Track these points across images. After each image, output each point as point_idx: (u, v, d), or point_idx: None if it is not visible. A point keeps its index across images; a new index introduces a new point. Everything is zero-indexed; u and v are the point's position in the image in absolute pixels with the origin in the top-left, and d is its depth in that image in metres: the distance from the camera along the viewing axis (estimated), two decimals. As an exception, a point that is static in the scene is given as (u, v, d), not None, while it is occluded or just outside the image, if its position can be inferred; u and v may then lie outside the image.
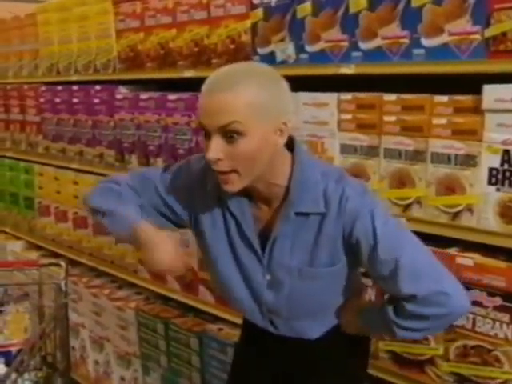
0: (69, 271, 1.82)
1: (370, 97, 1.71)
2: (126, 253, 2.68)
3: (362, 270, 1.58)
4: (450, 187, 1.57)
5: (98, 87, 2.75)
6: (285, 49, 1.93)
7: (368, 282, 1.73)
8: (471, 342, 1.57)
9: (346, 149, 1.78)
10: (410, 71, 1.63)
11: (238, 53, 2.08)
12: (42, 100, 3.16)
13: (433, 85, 1.58)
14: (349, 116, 1.76)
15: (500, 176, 1.48)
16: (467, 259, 1.55)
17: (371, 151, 1.72)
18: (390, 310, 1.29)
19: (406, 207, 1.67)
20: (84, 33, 2.82)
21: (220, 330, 2.31)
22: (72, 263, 2.83)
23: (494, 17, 1.45)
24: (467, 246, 1.60)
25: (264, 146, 1.20)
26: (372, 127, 1.71)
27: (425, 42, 1.58)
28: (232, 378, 1.63)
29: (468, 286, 1.39)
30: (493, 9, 1.45)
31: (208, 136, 1.20)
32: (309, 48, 1.86)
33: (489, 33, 1.47)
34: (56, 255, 3.13)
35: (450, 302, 1.23)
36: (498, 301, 1.50)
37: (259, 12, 1.99)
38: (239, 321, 1.63)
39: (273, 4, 1.94)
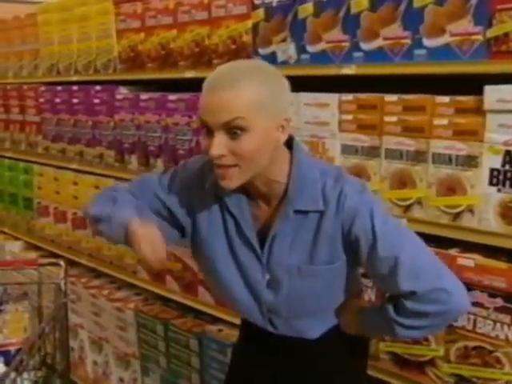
0: (68, 271, 1.82)
1: (371, 97, 1.71)
2: (125, 253, 2.68)
3: (361, 270, 1.58)
4: (451, 188, 1.57)
5: (98, 87, 2.75)
6: (286, 49, 1.93)
7: (368, 282, 1.73)
8: (472, 343, 1.57)
9: (346, 149, 1.78)
10: (411, 72, 1.63)
11: (239, 53, 2.08)
12: (41, 100, 3.15)
13: (434, 85, 1.58)
14: (350, 116, 1.76)
15: (501, 177, 1.48)
16: (468, 260, 1.55)
17: (372, 152, 1.72)
18: (390, 308, 1.29)
19: (407, 208, 1.67)
20: (84, 33, 2.82)
21: (220, 330, 2.31)
22: (71, 264, 2.82)
23: (495, 17, 1.45)
24: (468, 247, 1.60)
25: (266, 142, 1.21)
26: (373, 128, 1.71)
27: (426, 42, 1.59)
28: (231, 377, 1.62)
29: (469, 286, 1.39)
30: (495, 9, 1.45)
31: (210, 133, 1.20)
32: (310, 48, 1.86)
33: (491, 33, 1.47)
34: (55, 256, 3.12)
35: (450, 299, 1.23)
36: (499, 302, 1.50)
37: (260, 12, 1.99)
38: (239, 322, 1.63)
39: (274, 4, 1.94)
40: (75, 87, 2.90)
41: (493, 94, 1.45)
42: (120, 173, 2.65)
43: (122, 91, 2.65)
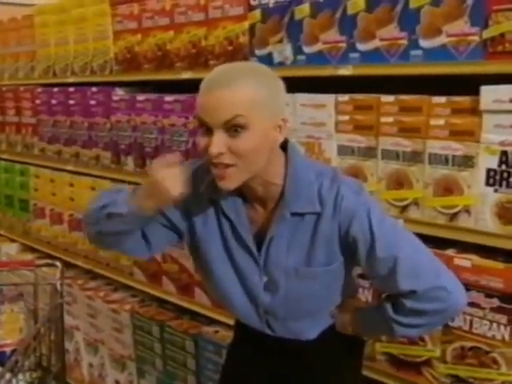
0: (64, 273, 1.81)
1: (368, 98, 1.71)
2: (121, 255, 2.67)
3: (358, 271, 1.58)
4: (447, 188, 1.57)
5: (94, 89, 2.75)
6: (282, 50, 1.93)
7: (365, 283, 1.73)
8: (468, 344, 1.57)
9: (343, 150, 1.78)
10: (407, 72, 1.63)
11: (235, 54, 2.08)
12: (37, 102, 3.15)
13: (431, 86, 1.58)
14: (346, 117, 1.76)
15: (498, 177, 1.48)
16: (465, 260, 1.55)
17: (369, 152, 1.72)
18: (388, 307, 1.29)
19: (404, 208, 1.67)
20: (81, 34, 2.81)
21: (216, 332, 2.30)
22: (67, 265, 2.80)
23: (492, 18, 1.46)
24: (465, 248, 1.60)
25: (265, 142, 1.21)
26: (369, 128, 1.71)
27: (423, 43, 1.59)
28: (225, 378, 1.61)
29: (465, 287, 1.38)
30: (491, 10, 1.45)
31: (209, 132, 1.20)
32: (306, 49, 1.86)
33: (487, 34, 1.47)
34: (51, 258, 3.10)
35: (449, 297, 1.24)
36: (496, 302, 1.50)
37: (257, 13, 1.99)
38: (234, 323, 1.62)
39: (271, 5, 1.94)
40: (71, 89, 2.89)
41: (489, 94, 1.46)
42: (116, 174, 2.65)
43: (119, 92, 2.65)
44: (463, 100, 1.52)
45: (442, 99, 1.56)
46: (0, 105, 3.51)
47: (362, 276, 1.67)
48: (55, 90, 3.00)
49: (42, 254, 3.29)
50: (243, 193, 1.32)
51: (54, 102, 3.01)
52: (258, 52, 2.00)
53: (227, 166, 1.20)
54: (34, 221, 3.32)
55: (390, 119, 1.66)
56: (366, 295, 1.74)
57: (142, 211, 1.25)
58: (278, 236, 1.30)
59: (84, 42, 2.80)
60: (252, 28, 2.01)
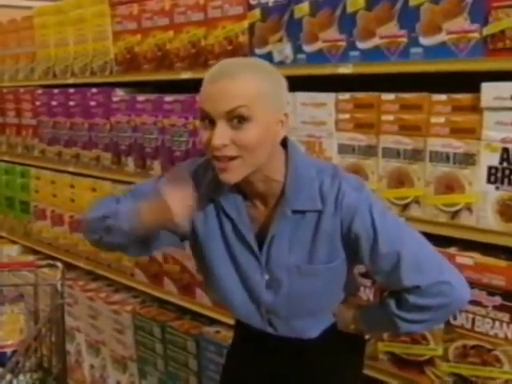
0: (65, 274, 1.81)
1: (368, 96, 1.71)
2: (122, 256, 2.67)
3: (361, 270, 1.58)
4: (448, 186, 1.57)
5: (94, 90, 2.74)
6: (282, 49, 1.92)
7: (367, 282, 1.72)
8: (471, 342, 1.56)
9: (343, 149, 1.77)
10: (408, 70, 1.63)
11: (235, 54, 2.07)
12: (38, 103, 3.15)
13: (431, 83, 1.58)
14: (347, 116, 1.75)
15: (499, 174, 1.47)
16: (467, 258, 1.54)
17: (369, 151, 1.71)
18: (392, 303, 1.29)
19: (405, 207, 1.66)
20: (81, 35, 2.81)
21: (217, 332, 2.29)
22: (68, 267, 2.80)
23: (492, 15, 1.45)
24: (466, 245, 1.59)
25: (267, 135, 1.21)
26: (370, 127, 1.70)
27: (423, 40, 1.58)
28: (226, 378, 1.61)
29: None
30: (491, 7, 1.45)
31: (212, 124, 1.19)
32: (306, 48, 1.86)
33: (487, 31, 1.46)
34: (52, 259, 3.09)
35: (452, 292, 1.23)
36: (498, 300, 1.49)
37: (256, 12, 1.99)
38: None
39: (270, 4, 1.93)
40: (71, 90, 2.89)
41: (490, 91, 1.45)
42: (117, 175, 2.64)
43: (119, 93, 2.64)
44: (464, 97, 1.52)
45: (443, 97, 1.56)
46: (0, 106, 3.51)
47: (364, 275, 1.67)
48: (55, 91, 3.00)
49: (43, 256, 3.29)
50: (244, 191, 1.32)
51: (54, 103, 3.01)
52: (257, 51, 2.00)
53: (231, 158, 1.19)
54: (34, 222, 3.32)
55: (391, 117, 1.65)
56: (367, 294, 1.74)
57: (142, 228, 1.25)
58: (280, 234, 1.30)
59: (84, 43, 2.79)
60: (251, 27, 2.01)
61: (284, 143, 1.30)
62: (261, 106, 1.18)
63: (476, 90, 1.48)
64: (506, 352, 1.50)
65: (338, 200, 1.25)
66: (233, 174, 1.21)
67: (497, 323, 1.50)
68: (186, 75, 2.27)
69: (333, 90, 1.79)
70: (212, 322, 2.35)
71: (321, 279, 1.31)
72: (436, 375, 1.64)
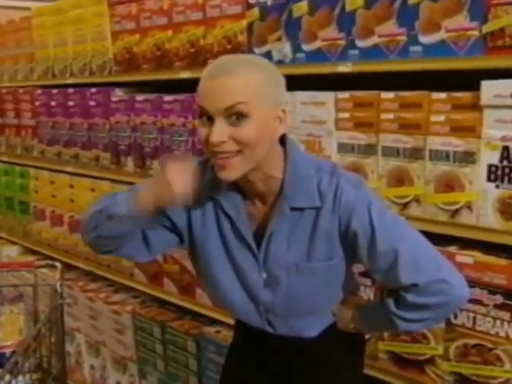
0: (64, 275, 1.80)
1: (368, 95, 1.71)
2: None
3: (360, 269, 1.57)
4: (448, 185, 1.56)
5: (93, 90, 2.74)
6: (281, 48, 1.92)
7: (367, 281, 1.72)
8: (471, 341, 1.55)
9: (343, 147, 1.77)
10: (407, 68, 1.62)
11: (234, 53, 2.05)
12: (37, 103, 3.14)
13: (430, 82, 1.57)
14: (346, 114, 1.75)
15: (499, 173, 1.47)
16: (467, 257, 1.53)
17: (369, 150, 1.71)
18: (390, 302, 1.28)
19: (405, 205, 1.66)
20: (80, 35, 2.81)
21: (217, 332, 2.29)
22: (68, 267, 2.80)
23: (491, 12, 1.45)
24: (467, 244, 1.59)
25: (266, 131, 1.20)
26: (369, 125, 1.70)
27: (422, 38, 1.58)
28: (227, 378, 1.60)
29: (468, 284, 1.37)
30: (490, 4, 1.45)
31: (210, 121, 1.19)
32: (305, 47, 1.85)
33: (486, 29, 1.46)
34: (52, 260, 3.09)
35: (451, 290, 1.23)
36: (499, 299, 1.49)
37: (255, 12, 1.98)
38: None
39: (268, 3, 1.93)
40: (71, 90, 2.88)
41: (489, 89, 1.44)
42: (116, 175, 2.64)
43: (118, 93, 2.64)
44: (463, 95, 1.51)
45: (443, 95, 1.55)
46: (-1, 107, 3.52)
47: (363, 274, 1.66)
48: (54, 91, 3.00)
49: (42, 256, 3.28)
50: (242, 189, 1.32)
51: (53, 103, 3.01)
52: (256, 50, 1.99)
53: (230, 155, 1.19)
54: (34, 223, 3.31)
55: (390, 116, 1.65)
56: (367, 293, 1.73)
57: (141, 210, 1.23)
58: (278, 231, 1.29)
59: (82, 43, 2.79)
60: (250, 26, 2.01)
61: (283, 141, 1.30)
62: (259, 103, 1.18)
63: (476, 88, 1.47)
64: (507, 351, 1.49)
65: (337, 197, 1.25)
66: (232, 171, 1.21)
67: (498, 322, 1.50)
68: (185, 75, 2.26)
69: (332, 89, 1.78)
70: (212, 321, 2.34)
71: (319, 278, 1.31)
72: (437, 374, 1.64)
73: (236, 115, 1.17)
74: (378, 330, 1.60)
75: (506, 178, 1.46)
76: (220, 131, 1.17)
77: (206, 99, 1.18)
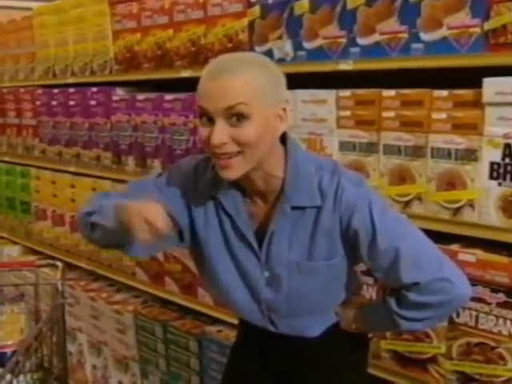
0: (66, 275, 1.80)
1: (369, 93, 1.70)
2: (123, 256, 2.66)
3: (363, 268, 1.56)
4: (450, 182, 1.56)
5: (94, 89, 2.74)
6: (282, 46, 1.91)
7: (369, 280, 1.71)
8: (474, 340, 1.55)
9: (344, 146, 1.76)
10: (408, 66, 1.62)
11: (235, 51, 2.04)
12: (38, 103, 3.14)
13: (432, 79, 1.57)
14: (348, 112, 1.74)
15: (501, 170, 1.46)
16: (469, 255, 1.53)
17: (370, 148, 1.70)
18: (392, 301, 1.28)
19: (407, 204, 1.65)
20: (80, 35, 2.80)
21: (219, 331, 2.28)
22: (69, 267, 2.80)
23: (493, 9, 1.44)
24: (469, 242, 1.58)
25: (266, 130, 1.20)
26: (371, 123, 1.69)
27: (423, 36, 1.57)
28: (229, 377, 1.60)
29: (470, 282, 1.37)
30: (492, 1, 1.44)
31: (210, 122, 1.19)
32: (307, 45, 1.85)
33: (488, 26, 1.45)
34: (53, 259, 3.08)
35: (452, 289, 1.23)
36: (502, 297, 1.48)
37: (256, 10, 1.98)
38: (237, 322, 1.61)
39: (270, 1, 1.93)
40: (72, 89, 2.88)
41: (491, 86, 1.44)
42: (117, 174, 2.64)
43: (119, 92, 2.64)
44: (465, 93, 1.51)
45: (444, 92, 1.54)
46: (0, 107, 3.51)
47: (366, 273, 1.66)
48: (55, 91, 3.00)
49: (44, 256, 3.28)
50: (243, 187, 1.31)
51: (54, 103, 3.01)
52: (257, 49, 1.99)
53: (231, 155, 1.18)
54: (35, 223, 3.31)
55: (392, 114, 1.64)
56: (370, 292, 1.73)
57: (119, 225, 1.21)
58: (279, 230, 1.29)
59: (83, 43, 2.79)
60: (251, 25, 2.00)
61: (283, 140, 1.29)
62: (259, 102, 1.17)
63: (477, 85, 1.46)
64: (510, 349, 1.48)
65: (337, 196, 1.24)
66: (233, 171, 1.20)
67: (500, 320, 1.49)
68: (186, 73, 2.26)
69: (333, 87, 1.78)
70: (214, 321, 2.34)
71: (320, 277, 1.30)
72: (439, 373, 1.63)
73: (236, 116, 1.16)
74: (380, 329, 1.60)
75: (508, 176, 1.45)
76: (221, 132, 1.17)
77: (207, 100, 1.18)
